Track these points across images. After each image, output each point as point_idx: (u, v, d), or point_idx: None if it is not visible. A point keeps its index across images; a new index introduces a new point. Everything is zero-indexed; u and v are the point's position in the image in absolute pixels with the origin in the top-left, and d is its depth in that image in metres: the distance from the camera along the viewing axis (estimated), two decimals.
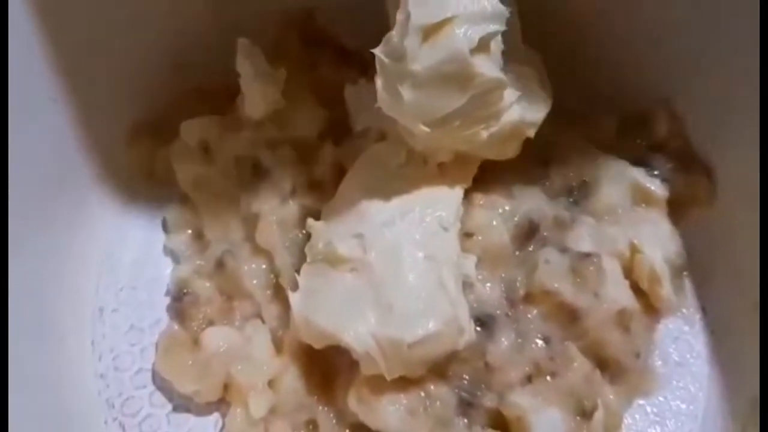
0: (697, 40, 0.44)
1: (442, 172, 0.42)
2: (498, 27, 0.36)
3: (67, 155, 0.46)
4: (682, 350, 0.44)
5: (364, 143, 0.45)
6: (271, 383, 0.41)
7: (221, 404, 0.43)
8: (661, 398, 0.43)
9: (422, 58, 0.36)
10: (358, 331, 0.37)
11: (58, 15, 0.43)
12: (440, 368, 0.39)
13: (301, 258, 0.42)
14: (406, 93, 0.36)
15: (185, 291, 0.44)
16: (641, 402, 0.43)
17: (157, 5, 0.48)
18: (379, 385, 0.38)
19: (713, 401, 0.42)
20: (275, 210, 0.44)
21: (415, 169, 0.42)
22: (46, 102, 0.44)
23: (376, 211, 0.40)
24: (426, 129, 0.37)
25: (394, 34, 0.36)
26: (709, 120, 0.46)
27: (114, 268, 0.48)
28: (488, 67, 0.36)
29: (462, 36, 0.35)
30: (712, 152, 0.46)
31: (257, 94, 0.44)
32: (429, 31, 0.36)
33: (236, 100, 0.46)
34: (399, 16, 0.36)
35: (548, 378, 0.40)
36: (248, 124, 0.46)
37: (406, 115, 0.38)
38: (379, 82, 0.37)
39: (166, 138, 0.48)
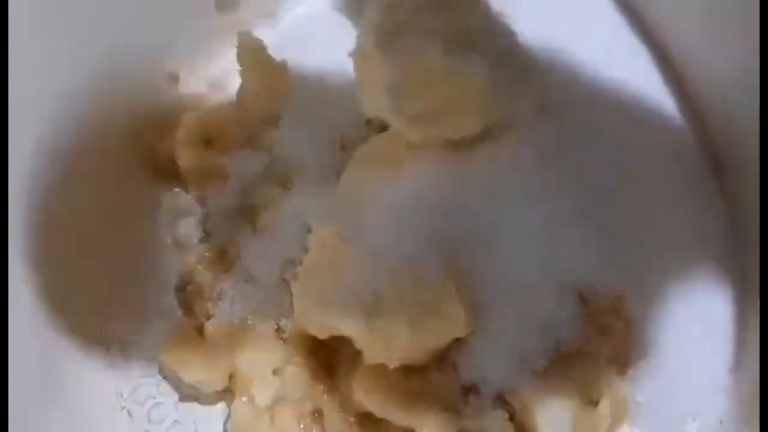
0: None
1: None
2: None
3: (70, 149, 0.46)
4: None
5: (368, 133, 0.45)
6: (276, 372, 0.42)
7: (227, 393, 0.43)
8: (666, 384, 0.42)
9: (392, 58, 0.36)
10: (359, 320, 0.37)
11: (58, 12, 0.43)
12: (444, 355, 0.39)
13: (304, 248, 0.42)
14: (382, 93, 0.37)
15: (189, 281, 0.45)
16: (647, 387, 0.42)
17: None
18: (382, 373, 0.38)
19: (717, 387, 0.42)
20: (278, 200, 0.44)
21: (414, 160, 0.41)
22: (47, 96, 0.44)
23: (376, 202, 0.40)
24: (411, 124, 0.37)
25: (363, 37, 0.36)
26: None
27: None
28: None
29: (425, 31, 0.36)
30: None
31: (258, 87, 0.44)
32: (393, 32, 0.36)
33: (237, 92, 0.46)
34: (366, 22, 0.37)
35: (553, 365, 0.40)
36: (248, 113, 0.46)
37: (387, 113, 0.38)
38: (357, 82, 0.38)
39: (170, 129, 0.48)
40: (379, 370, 0.38)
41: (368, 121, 0.45)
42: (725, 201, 0.45)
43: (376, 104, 0.38)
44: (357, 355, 0.39)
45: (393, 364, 0.38)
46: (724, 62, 0.44)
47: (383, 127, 0.43)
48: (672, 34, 0.48)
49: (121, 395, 0.44)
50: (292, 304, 0.41)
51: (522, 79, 0.41)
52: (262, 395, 0.41)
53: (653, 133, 0.45)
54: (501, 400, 0.39)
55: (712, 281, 0.44)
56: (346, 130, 0.45)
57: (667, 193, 0.44)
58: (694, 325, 0.43)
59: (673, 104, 0.47)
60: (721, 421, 0.41)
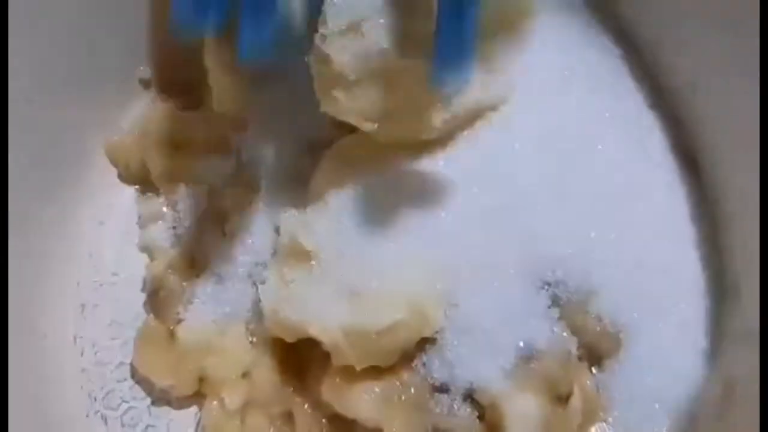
0: None
1: None
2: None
3: (46, 156, 0.47)
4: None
5: (337, 134, 0.44)
6: (245, 375, 0.42)
7: (199, 397, 0.43)
8: (637, 380, 0.42)
9: (346, 59, 0.36)
10: (325, 322, 0.37)
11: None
12: (412, 355, 0.39)
13: (273, 251, 0.42)
14: (341, 95, 0.37)
15: (160, 286, 0.45)
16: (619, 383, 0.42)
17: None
18: (351, 375, 0.38)
19: (690, 383, 0.42)
20: (247, 203, 0.44)
21: (382, 161, 0.41)
22: (22, 103, 0.44)
23: (343, 203, 0.40)
24: (373, 125, 0.37)
25: (317, 40, 0.36)
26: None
27: (95, 264, 0.48)
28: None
29: (376, 31, 0.36)
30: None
31: (225, 89, 0.44)
32: (345, 33, 0.36)
33: (205, 94, 0.46)
34: (319, 26, 0.36)
35: (522, 363, 0.40)
36: (216, 117, 0.46)
37: (348, 115, 0.38)
38: (316, 87, 0.38)
39: (141, 135, 0.48)
40: (348, 371, 0.38)
41: (337, 124, 0.45)
42: (697, 196, 0.45)
43: (334, 106, 0.38)
44: (326, 356, 0.39)
45: (360, 366, 0.38)
46: (696, 53, 0.44)
47: (351, 129, 0.43)
48: (642, 26, 0.48)
49: (95, 399, 0.44)
50: (261, 307, 0.41)
51: (486, 72, 0.41)
52: (232, 399, 0.41)
53: (621, 127, 0.45)
54: (470, 399, 0.39)
55: (684, 276, 0.44)
56: (314, 133, 0.45)
57: (636, 187, 0.44)
58: (666, 321, 0.43)
59: (643, 98, 0.47)
60: (693, 418, 0.41)
